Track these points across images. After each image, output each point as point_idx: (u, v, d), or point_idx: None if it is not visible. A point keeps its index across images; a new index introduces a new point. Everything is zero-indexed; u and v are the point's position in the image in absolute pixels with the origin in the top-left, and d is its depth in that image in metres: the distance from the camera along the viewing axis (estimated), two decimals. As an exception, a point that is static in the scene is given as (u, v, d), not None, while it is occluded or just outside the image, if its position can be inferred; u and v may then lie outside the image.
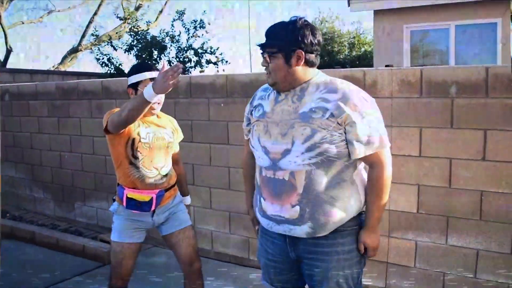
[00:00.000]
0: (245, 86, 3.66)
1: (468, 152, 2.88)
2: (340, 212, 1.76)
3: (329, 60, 15.89)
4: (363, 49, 18.42)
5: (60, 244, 4.18)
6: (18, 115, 5.38)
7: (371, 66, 9.04)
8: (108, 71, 10.35)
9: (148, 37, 10.82)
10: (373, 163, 1.78)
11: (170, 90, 2.08)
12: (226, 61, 11.10)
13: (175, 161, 2.71)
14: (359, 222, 1.85)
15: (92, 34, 12.29)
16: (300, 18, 1.77)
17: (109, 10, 23.41)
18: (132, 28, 11.29)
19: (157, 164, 2.47)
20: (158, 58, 10.72)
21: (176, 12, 11.00)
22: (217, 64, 11.05)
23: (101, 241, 4.15)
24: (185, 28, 11.08)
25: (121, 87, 4.37)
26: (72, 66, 14.55)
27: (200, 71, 10.66)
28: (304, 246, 1.83)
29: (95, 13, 14.93)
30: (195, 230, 4.01)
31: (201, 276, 2.62)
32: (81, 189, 4.84)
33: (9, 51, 13.45)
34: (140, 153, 2.44)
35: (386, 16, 7.46)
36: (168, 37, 10.97)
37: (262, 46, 1.79)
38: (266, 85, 1.95)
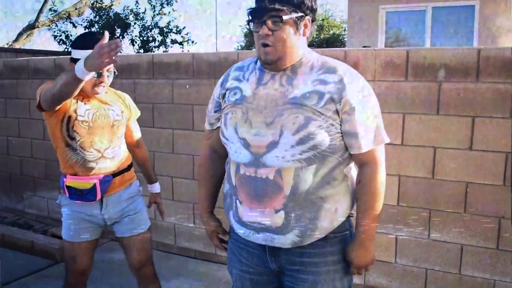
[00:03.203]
0: (213, 66, 3.33)
1: (454, 141, 2.68)
2: (330, 215, 1.48)
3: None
4: (331, 32, 18.29)
5: (6, 239, 3.78)
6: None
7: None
8: (66, 49, 9.76)
9: (111, 13, 10.26)
10: (366, 162, 1.50)
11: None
12: (193, 41, 10.69)
13: (136, 144, 2.43)
14: (348, 226, 1.57)
15: (50, 9, 11.56)
16: None
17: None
18: (95, 3, 10.65)
19: (98, 146, 2.15)
20: (120, 36, 10.20)
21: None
22: (182, 44, 10.63)
23: (52, 236, 3.77)
24: (151, 5, 10.58)
25: (75, 66, 3.95)
26: (28, 44, 13.72)
27: (164, 51, 10.20)
28: (287, 256, 1.53)
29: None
30: (156, 223, 3.70)
31: (155, 280, 2.37)
32: (30, 178, 4.42)
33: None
34: (77, 133, 2.11)
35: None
36: (132, 15, 10.45)
37: (266, 9, 1.40)
38: (241, 63, 1.62)
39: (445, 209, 2.74)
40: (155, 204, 2.55)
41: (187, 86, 3.43)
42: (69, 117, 2.10)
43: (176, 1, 10.82)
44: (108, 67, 2.04)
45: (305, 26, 1.46)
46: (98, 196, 2.15)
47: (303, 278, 1.52)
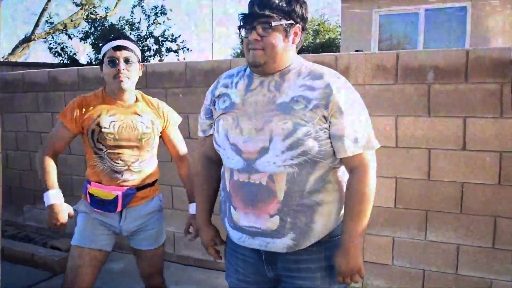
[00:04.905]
0: (206, 74, 3.36)
1: (447, 142, 2.70)
2: (324, 219, 1.49)
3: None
4: (327, 36, 18.36)
5: (7, 252, 3.78)
6: (-42, 110, 4.89)
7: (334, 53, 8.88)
8: (62, 61, 9.80)
9: (107, 24, 10.32)
10: (355, 166, 1.47)
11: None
12: (188, 49, 10.74)
13: (177, 156, 2.28)
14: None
15: (47, 22, 11.63)
16: None
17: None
18: (90, 15, 10.71)
19: (125, 158, 2.08)
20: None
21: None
22: (177, 52, 10.68)
23: (51, 248, 3.78)
24: (145, 15, 10.65)
25: (69, 79, 3.99)
26: (25, 56, 13.76)
27: (160, 60, 10.25)
28: (283, 264, 1.54)
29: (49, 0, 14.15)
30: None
31: None
32: (30, 191, 4.43)
33: (-46, 41, 12.56)
34: (103, 145, 2.06)
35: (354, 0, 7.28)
36: (128, 25, 10.51)
37: (256, 15, 1.42)
38: (231, 71, 1.64)
39: (441, 210, 2.76)
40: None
41: (180, 95, 3.46)
42: (93, 130, 2.05)
43: (171, 10, 10.87)
44: (126, 54, 2.03)
45: (295, 34, 1.48)
46: (119, 208, 2.10)
47: (300, 284, 1.53)
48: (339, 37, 16.22)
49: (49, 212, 2.01)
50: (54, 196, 2.03)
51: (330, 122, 1.43)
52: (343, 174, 1.54)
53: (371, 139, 1.49)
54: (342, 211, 1.55)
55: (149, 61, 10.32)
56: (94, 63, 10.04)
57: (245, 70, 1.57)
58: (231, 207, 1.54)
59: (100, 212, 2.12)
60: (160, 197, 2.30)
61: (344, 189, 1.53)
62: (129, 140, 2.08)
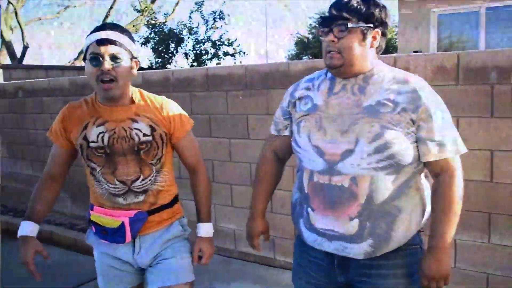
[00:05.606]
0: (265, 76, 3.45)
1: (511, 143, 2.62)
2: (405, 226, 1.47)
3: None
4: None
5: (78, 244, 4.06)
6: (32, 112, 5.27)
7: (392, 54, 8.73)
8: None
9: (166, 29, 10.71)
10: (442, 171, 1.46)
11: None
12: (244, 53, 10.92)
13: (189, 167, 1.85)
14: (419, 240, 1.56)
15: (109, 28, 12.23)
16: None
17: (125, 3, 23.40)
18: (150, 20, 11.16)
19: (123, 176, 1.68)
20: (174, 51, 10.61)
21: (195, 3, 10.87)
22: (234, 56, 10.89)
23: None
24: (204, 19, 10.94)
25: (136, 79, 4.20)
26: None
27: (217, 64, 10.50)
28: (356, 269, 1.51)
29: (111, 7, 14.86)
30: (216, 228, 3.84)
31: None
32: (98, 187, 4.70)
33: (25, 48, 13.48)
34: (94, 162, 1.70)
35: (411, -1, 7.16)
36: (186, 29, 10.85)
37: (333, 17, 1.45)
38: (311, 75, 1.65)
39: (505, 213, 2.69)
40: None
41: (240, 97, 3.57)
42: (81, 146, 1.70)
43: (228, 15, 11.13)
44: (113, 50, 1.60)
45: (374, 38, 1.48)
46: (128, 238, 1.72)
47: None
48: (395, 37, 15.86)
49: (18, 246, 1.71)
50: (24, 228, 1.74)
51: (418, 125, 1.43)
52: (424, 180, 1.53)
53: (458, 143, 1.48)
54: (422, 220, 1.53)
55: (207, 65, 10.60)
56: (155, 67, 10.43)
57: (326, 73, 1.59)
58: (309, 208, 1.53)
59: (106, 243, 1.77)
60: (183, 222, 1.88)
61: (425, 196, 1.52)
62: (123, 154, 1.68)
